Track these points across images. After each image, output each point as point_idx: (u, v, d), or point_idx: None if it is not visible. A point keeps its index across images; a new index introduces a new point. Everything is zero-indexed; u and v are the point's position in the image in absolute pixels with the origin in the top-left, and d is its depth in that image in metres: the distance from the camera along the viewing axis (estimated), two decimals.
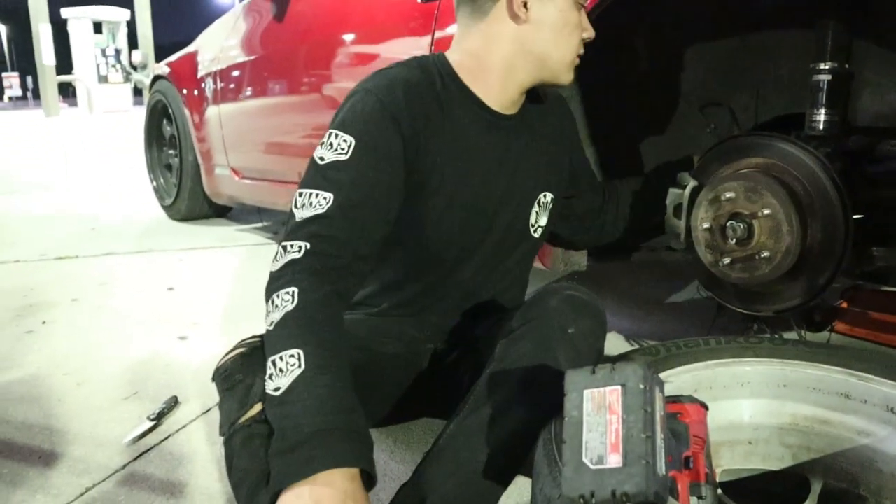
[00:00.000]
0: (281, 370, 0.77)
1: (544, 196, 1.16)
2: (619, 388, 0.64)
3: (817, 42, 1.23)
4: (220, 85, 2.87)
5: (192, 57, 3.21)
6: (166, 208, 3.58)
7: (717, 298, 1.28)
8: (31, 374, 1.63)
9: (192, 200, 3.34)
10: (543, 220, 1.18)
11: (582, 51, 1.07)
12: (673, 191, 1.26)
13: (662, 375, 0.97)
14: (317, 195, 0.91)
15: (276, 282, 0.86)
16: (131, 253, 2.90)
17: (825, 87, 1.23)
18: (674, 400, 0.82)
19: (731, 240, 1.16)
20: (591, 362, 0.87)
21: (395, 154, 0.95)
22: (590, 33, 1.07)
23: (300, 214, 0.91)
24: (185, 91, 3.18)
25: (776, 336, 1.10)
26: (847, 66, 1.24)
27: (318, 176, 0.92)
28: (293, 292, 0.83)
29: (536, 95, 1.14)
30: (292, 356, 0.77)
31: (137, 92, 19.22)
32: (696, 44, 1.42)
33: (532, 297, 0.98)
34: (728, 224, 1.16)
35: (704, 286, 1.29)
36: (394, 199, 0.96)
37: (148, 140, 3.70)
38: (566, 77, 1.07)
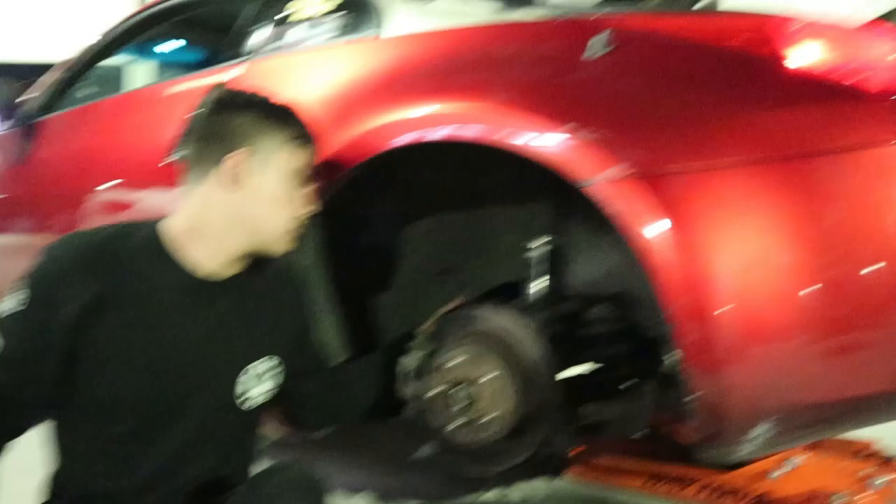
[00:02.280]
0: None
1: (256, 365, 1.12)
2: None
3: (530, 219, 1.40)
4: None
5: None
6: None
7: (449, 464, 1.33)
8: None
9: None
10: (256, 392, 1.13)
11: (299, 223, 1.11)
12: (402, 360, 1.32)
13: None
14: None
15: None
16: None
17: (539, 259, 1.39)
18: None
19: (456, 405, 1.23)
20: None
21: (50, 321, 0.98)
22: (307, 209, 1.11)
23: None
24: None
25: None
26: (558, 239, 1.41)
27: None
28: None
29: (264, 261, 1.15)
30: None
31: None
32: (427, 217, 1.54)
33: (251, 479, 0.96)
34: (452, 391, 1.23)
35: (438, 450, 1.34)
36: (44, 368, 1.00)
37: None
38: (278, 247, 1.10)
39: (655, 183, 1.09)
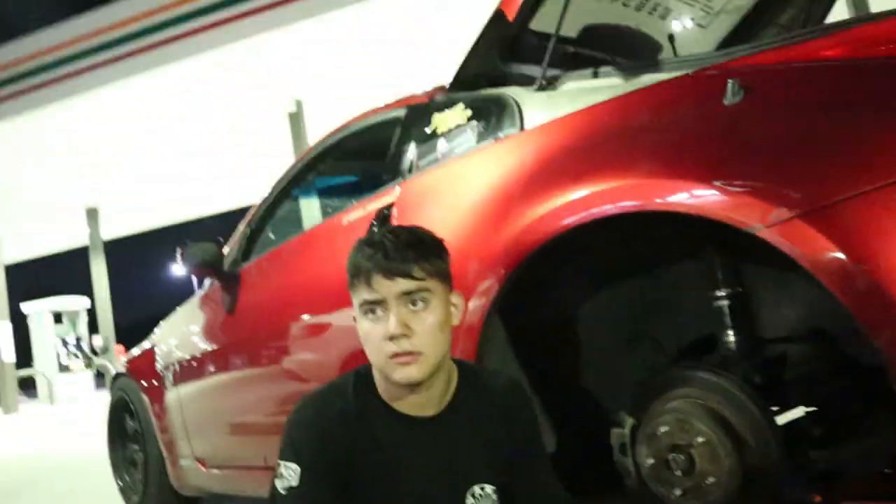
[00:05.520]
0: None
1: (481, 489, 1.19)
2: None
3: (710, 272, 1.38)
4: (178, 375, 2.95)
5: (151, 351, 3.31)
6: None
7: None
8: None
9: (160, 496, 3.25)
10: None
11: (395, 348, 1.09)
12: (615, 431, 1.33)
13: None
14: None
15: None
16: None
17: (726, 310, 1.36)
18: None
19: (677, 471, 1.21)
20: None
21: (325, 475, 1.12)
22: (389, 330, 1.08)
23: None
24: (144, 384, 3.23)
25: None
26: (740, 288, 1.37)
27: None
28: None
29: (482, 383, 1.22)
30: None
31: (100, 376, 19.00)
32: (611, 285, 1.56)
33: None
34: (670, 457, 1.22)
35: None
36: None
37: (111, 438, 3.67)
38: (397, 377, 1.10)
39: (825, 216, 1.04)
